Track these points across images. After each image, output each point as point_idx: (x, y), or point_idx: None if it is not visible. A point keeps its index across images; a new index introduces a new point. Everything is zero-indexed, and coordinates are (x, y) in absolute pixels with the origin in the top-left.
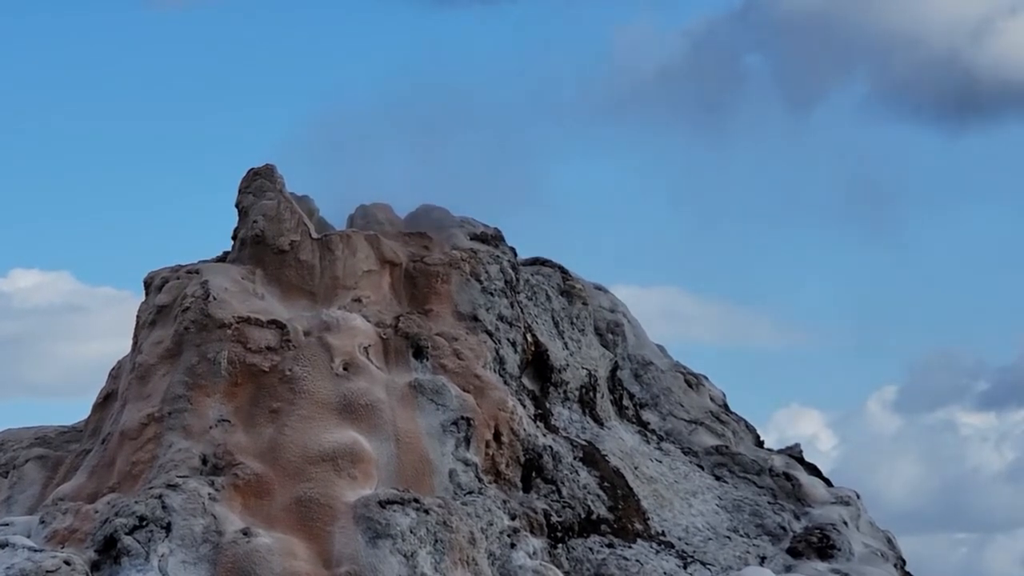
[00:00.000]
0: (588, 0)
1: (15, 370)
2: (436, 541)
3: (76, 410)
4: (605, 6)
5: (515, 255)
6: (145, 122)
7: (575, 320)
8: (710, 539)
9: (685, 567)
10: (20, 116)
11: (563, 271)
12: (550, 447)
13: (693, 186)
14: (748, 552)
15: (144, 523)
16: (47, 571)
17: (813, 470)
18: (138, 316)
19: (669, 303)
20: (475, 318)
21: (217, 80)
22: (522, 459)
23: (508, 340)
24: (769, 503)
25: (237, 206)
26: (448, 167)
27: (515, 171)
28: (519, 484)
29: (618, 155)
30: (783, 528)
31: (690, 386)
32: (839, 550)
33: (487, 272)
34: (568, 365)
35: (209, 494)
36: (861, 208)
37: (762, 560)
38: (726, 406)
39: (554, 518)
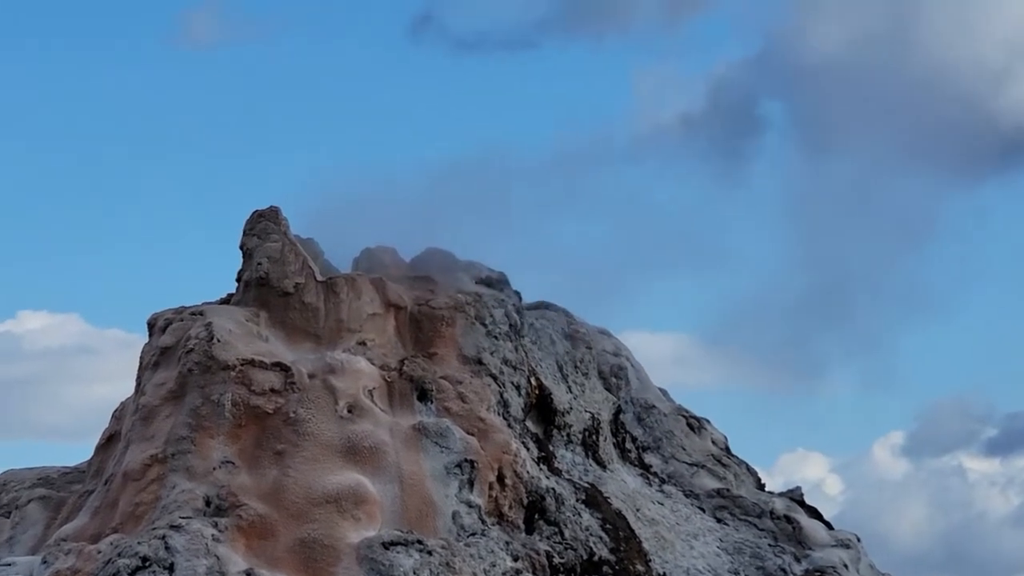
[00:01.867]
0: (609, 46)
1: (23, 412)
2: None
3: (84, 452)
4: (626, 52)
5: (520, 299)
6: (157, 163)
7: (579, 364)
8: None
9: None
10: (32, 156)
11: (567, 315)
12: (553, 489)
13: (708, 232)
14: None
15: (147, 564)
16: None
17: (814, 513)
18: (141, 357)
19: (677, 348)
20: (480, 361)
21: (232, 122)
22: (525, 501)
23: (512, 383)
24: (770, 545)
25: (242, 248)
26: (457, 211)
27: (528, 214)
28: (522, 526)
29: (636, 199)
30: (784, 571)
31: (692, 429)
32: None
33: (492, 316)
34: (572, 408)
35: (212, 535)
36: (872, 257)
37: None
38: (728, 449)
39: (556, 559)
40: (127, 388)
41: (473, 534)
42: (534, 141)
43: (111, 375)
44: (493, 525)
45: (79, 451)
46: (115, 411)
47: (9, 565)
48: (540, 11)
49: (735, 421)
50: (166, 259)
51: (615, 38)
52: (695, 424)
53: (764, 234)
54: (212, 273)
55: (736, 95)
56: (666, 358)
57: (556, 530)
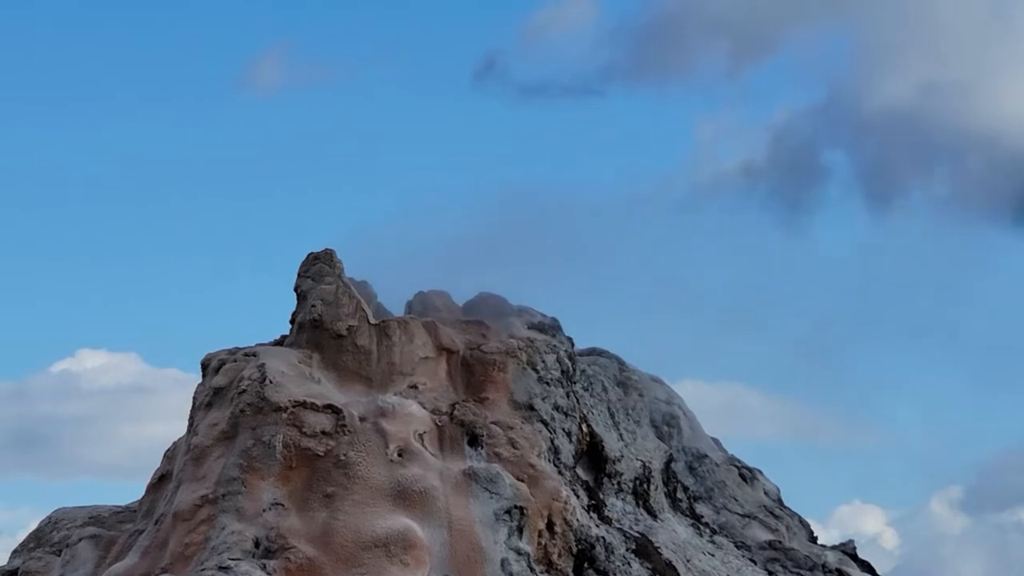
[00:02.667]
0: (673, 94)
1: (80, 450)
2: None
3: (138, 491)
4: (689, 100)
5: (572, 345)
6: (217, 204)
7: (631, 411)
8: None
9: None
10: (95, 198)
11: (620, 362)
12: (603, 538)
13: (767, 280)
14: None
15: None
16: None
17: (867, 567)
18: (194, 397)
19: (734, 398)
20: (531, 407)
21: (293, 166)
22: (574, 549)
23: (563, 430)
24: None
25: (296, 290)
26: (512, 257)
27: (587, 260)
28: (571, 574)
29: (695, 246)
30: None
31: (744, 480)
32: None
33: (544, 361)
34: (623, 456)
35: None
36: (933, 308)
37: None
38: (780, 501)
39: None
40: (182, 427)
41: None
42: (595, 189)
43: (167, 414)
44: (542, 573)
45: (134, 490)
46: (167, 451)
47: None
48: (604, 59)
49: (791, 471)
50: (225, 300)
51: (678, 86)
52: (747, 474)
53: (825, 284)
54: (269, 314)
55: (798, 144)
56: (722, 407)
57: None
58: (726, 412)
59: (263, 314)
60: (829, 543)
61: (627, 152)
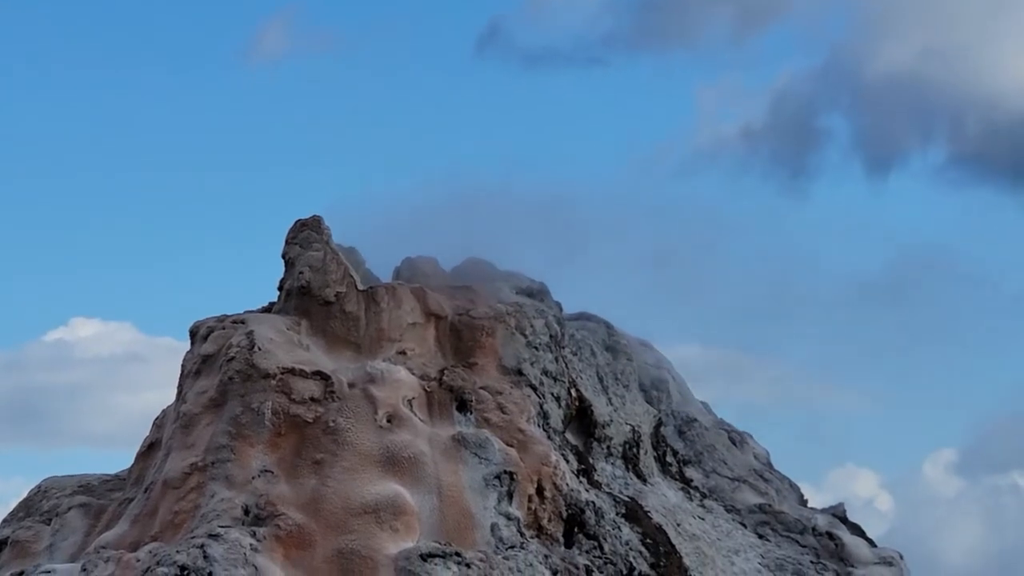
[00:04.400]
0: (676, 62)
1: (74, 420)
2: None
3: (131, 460)
4: (691, 67)
5: (560, 310)
6: (212, 173)
7: (619, 376)
8: None
9: None
10: (90, 166)
11: (608, 326)
12: (593, 503)
13: (765, 244)
14: None
15: (185, 572)
16: None
17: (857, 529)
18: (183, 365)
19: (728, 362)
20: (520, 372)
21: (292, 133)
22: (564, 514)
23: (552, 395)
24: (812, 562)
25: (283, 257)
26: (502, 222)
27: (578, 228)
28: (561, 539)
29: (692, 212)
30: None
31: (734, 443)
32: None
33: (532, 326)
34: (612, 421)
35: (251, 544)
36: (929, 272)
37: None
38: (770, 464)
39: (596, 574)
40: (174, 396)
41: (512, 547)
42: (595, 155)
43: (161, 383)
44: (532, 538)
45: (128, 459)
46: (156, 419)
47: (49, 572)
48: (607, 27)
49: (784, 436)
50: (220, 269)
51: (682, 53)
52: (737, 438)
53: (821, 245)
54: (265, 282)
55: (798, 108)
56: (716, 371)
57: (595, 544)
58: (720, 376)
59: (258, 282)
60: (822, 507)
61: (628, 120)
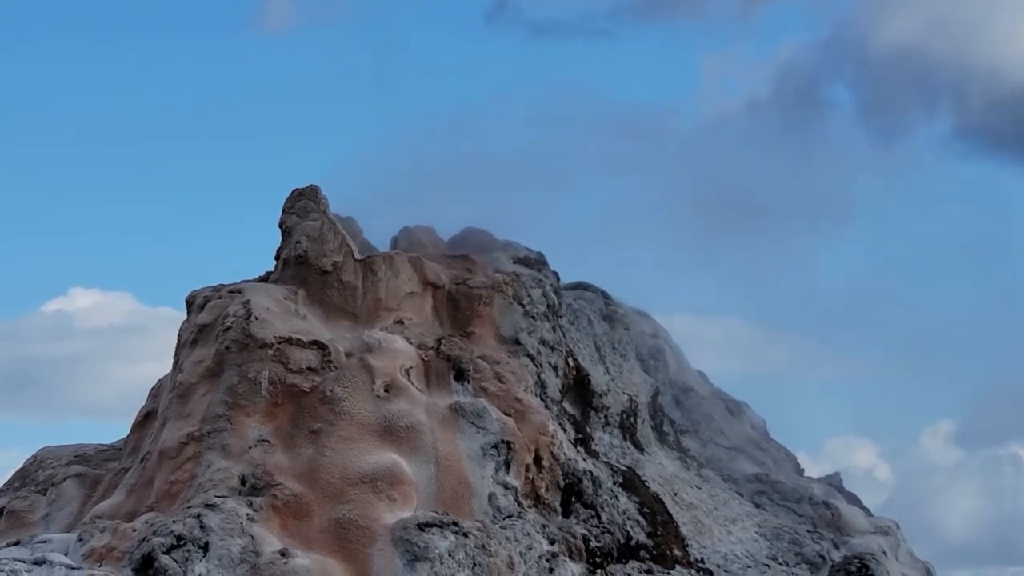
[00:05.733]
0: (682, 33)
1: (73, 390)
2: (475, 565)
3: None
4: (698, 39)
5: (558, 279)
6: (214, 143)
7: (617, 345)
8: (749, 567)
9: None
10: (90, 136)
11: (605, 296)
12: (590, 472)
13: (768, 215)
14: None
15: (182, 542)
16: None
17: (853, 499)
18: (179, 335)
19: (728, 331)
20: (517, 342)
21: (298, 105)
22: (562, 483)
23: (550, 364)
24: (808, 531)
25: (281, 226)
26: (501, 192)
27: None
28: (558, 508)
29: (697, 181)
30: (822, 557)
31: (731, 413)
32: None
33: (530, 296)
34: (609, 390)
35: (247, 514)
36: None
37: None
38: (766, 433)
39: (593, 543)
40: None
41: (509, 516)
42: (598, 126)
43: (160, 353)
44: (529, 507)
45: (126, 430)
46: (152, 389)
47: (45, 542)
48: None
49: (784, 404)
50: (222, 238)
51: (688, 25)
52: (733, 408)
53: (826, 218)
54: (266, 252)
55: (802, 79)
56: (716, 341)
57: (593, 513)
58: (719, 345)
59: (260, 251)
60: (816, 476)
61: (634, 90)
